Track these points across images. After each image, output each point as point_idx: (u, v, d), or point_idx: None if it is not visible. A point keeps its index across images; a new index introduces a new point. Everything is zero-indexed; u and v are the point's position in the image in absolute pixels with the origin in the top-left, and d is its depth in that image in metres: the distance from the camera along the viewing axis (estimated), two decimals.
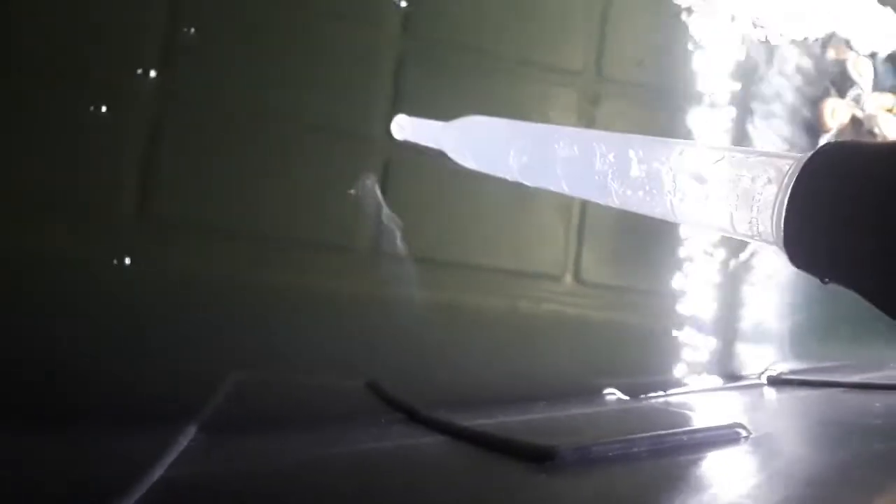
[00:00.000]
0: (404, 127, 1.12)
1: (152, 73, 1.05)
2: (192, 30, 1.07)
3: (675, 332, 1.27)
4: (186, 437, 0.71)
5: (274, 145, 1.13)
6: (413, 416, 0.76)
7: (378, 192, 1.10)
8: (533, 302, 1.22)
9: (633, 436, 0.55)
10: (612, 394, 1.03)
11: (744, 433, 0.60)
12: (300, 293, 1.12)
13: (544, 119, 1.26)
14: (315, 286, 1.13)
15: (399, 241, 1.16)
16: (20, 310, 0.93)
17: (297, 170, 1.14)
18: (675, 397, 1.02)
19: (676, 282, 1.30)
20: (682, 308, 1.29)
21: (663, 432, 0.56)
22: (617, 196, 0.61)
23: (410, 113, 1.20)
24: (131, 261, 1.03)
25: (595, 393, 1.02)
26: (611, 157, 0.63)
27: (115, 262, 1.02)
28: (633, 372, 1.15)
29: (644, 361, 1.20)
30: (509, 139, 0.90)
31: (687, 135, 1.36)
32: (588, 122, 1.28)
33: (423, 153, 1.17)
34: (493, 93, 1.25)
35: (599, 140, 0.67)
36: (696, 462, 0.54)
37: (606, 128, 1.30)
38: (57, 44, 1.01)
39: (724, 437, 0.59)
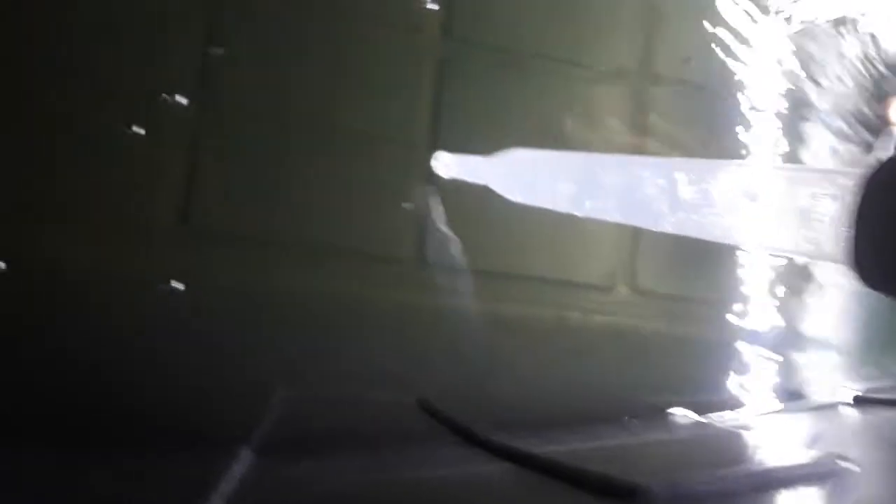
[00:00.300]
0: (447, 164, 1.09)
1: (189, 89, 1.03)
2: (227, 46, 1.05)
3: (736, 345, 1.21)
4: (242, 463, 0.68)
5: (316, 154, 1.11)
6: (471, 439, 0.72)
7: (437, 203, 1.07)
8: (586, 313, 1.18)
9: (727, 470, 0.51)
10: (682, 414, 0.98)
11: (844, 466, 0.55)
12: (344, 305, 1.09)
13: (591, 120, 1.22)
14: (360, 297, 1.11)
15: (448, 252, 1.13)
16: (58, 327, 0.92)
17: (340, 178, 1.12)
18: (749, 419, 0.96)
19: (737, 290, 1.25)
20: (743, 319, 1.24)
21: (760, 468, 0.52)
22: (670, 221, 0.58)
23: (453, 119, 1.17)
24: (173, 276, 1.01)
25: (657, 412, 0.97)
26: (660, 181, 0.61)
27: (157, 277, 1.00)
28: (693, 388, 1.11)
29: (705, 377, 1.15)
30: (554, 171, 0.87)
31: (738, 135, 1.30)
32: (636, 123, 1.23)
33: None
34: (537, 95, 1.21)
35: (646, 165, 0.65)
36: (796, 501, 0.50)
37: (655, 128, 1.26)
38: (94, 65, 1.00)
39: (824, 471, 0.54)
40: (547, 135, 1.19)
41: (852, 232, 0.32)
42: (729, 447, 0.81)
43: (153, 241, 1.01)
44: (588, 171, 0.81)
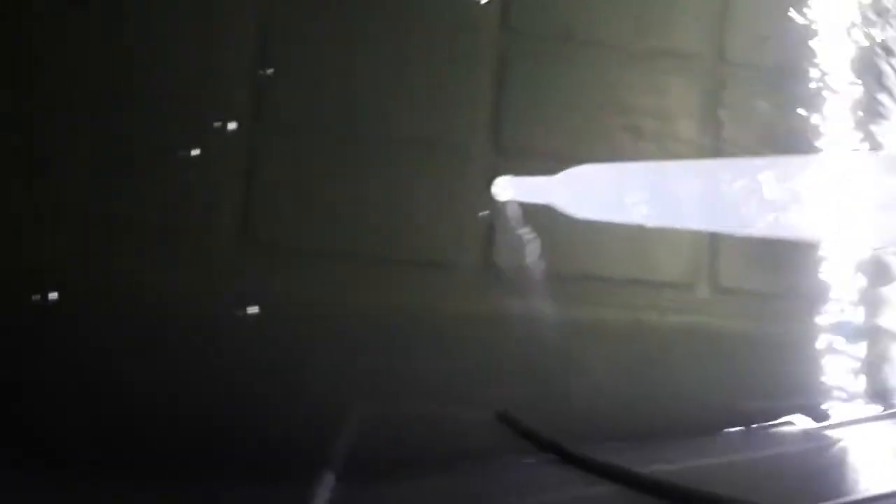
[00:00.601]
0: (506, 188, 1.05)
1: (244, 106, 1.01)
2: (280, 59, 1.03)
3: (825, 344, 1.13)
4: (327, 489, 0.65)
5: (375, 164, 1.08)
6: (563, 455, 0.68)
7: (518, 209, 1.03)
8: (665, 314, 1.12)
9: (871, 494, 0.45)
10: (780, 424, 0.91)
11: None
12: (411, 316, 1.06)
13: (663, 110, 1.15)
14: (426, 307, 1.07)
15: (517, 256, 1.08)
16: (120, 348, 0.91)
17: (401, 187, 1.09)
18: (848, 427, 0.89)
19: (823, 286, 1.16)
20: (830, 316, 1.15)
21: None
22: (755, 224, 0.53)
23: (515, 118, 1.13)
24: (234, 295, 0.99)
25: (751, 421, 0.90)
26: (738, 185, 0.56)
27: (218, 295, 0.98)
28: (784, 392, 1.03)
29: (795, 379, 1.08)
30: (622, 183, 0.83)
31: (815, 118, 1.22)
32: (712, 108, 1.16)
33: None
34: (604, 86, 1.15)
35: (721, 168, 0.59)
36: None
37: (733, 114, 1.19)
38: (150, 88, 0.99)
39: None
40: (616, 127, 1.14)
41: None
42: (841, 465, 0.74)
43: (214, 261, 0.99)
44: (657, 180, 0.76)
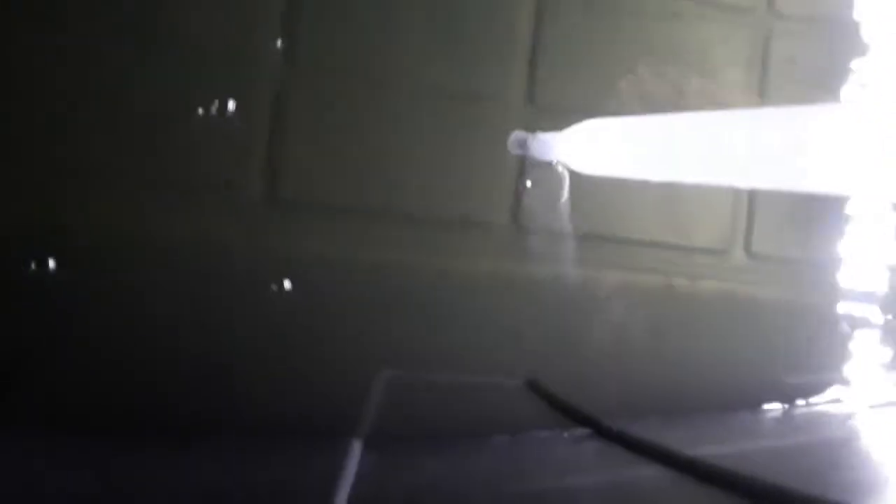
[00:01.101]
0: (522, 143, 0.99)
1: (276, 49, 0.96)
2: (308, 17, 0.97)
3: (863, 313, 1.09)
4: (354, 459, 0.63)
5: (405, 118, 1.03)
6: (602, 432, 0.65)
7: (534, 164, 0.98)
8: (697, 279, 1.08)
9: None
10: (824, 400, 0.88)
11: None
12: (437, 276, 1.03)
13: (706, 64, 1.09)
14: (453, 268, 1.04)
15: (546, 216, 1.04)
16: (139, 309, 0.88)
17: (431, 141, 1.04)
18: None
19: (862, 253, 1.12)
20: (868, 284, 1.12)
21: None
22: (763, 176, 0.51)
23: (552, 71, 1.07)
24: (261, 253, 0.96)
25: (793, 397, 0.88)
26: (743, 135, 0.52)
27: (244, 248, 0.96)
28: (823, 364, 1.00)
29: (834, 351, 1.04)
30: (632, 137, 0.78)
31: (864, 70, 1.15)
32: (762, 65, 1.10)
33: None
34: (648, 39, 1.09)
35: (732, 120, 0.55)
36: None
37: (784, 70, 1.12)
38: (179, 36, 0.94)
39: None
40: (657, 82, 1.08)
41: None
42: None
43: (240, 215, 0.96)
44: (668, 133, 0.71)
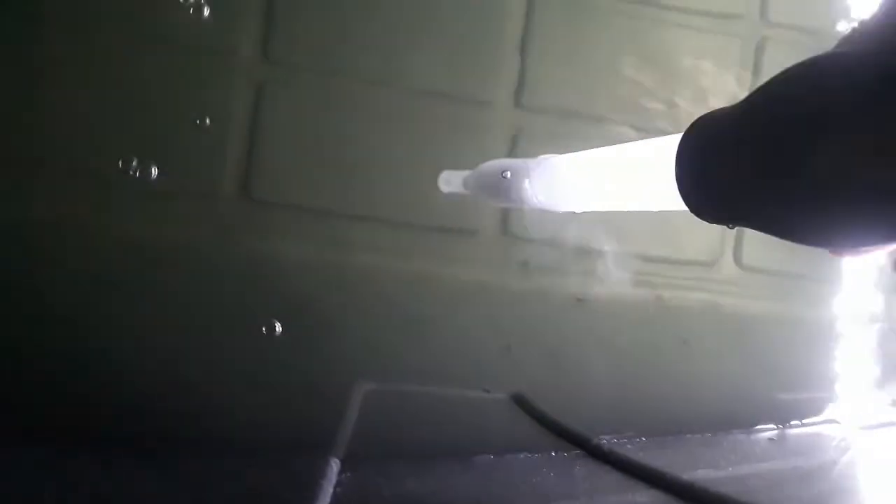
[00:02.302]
0: (449, 182, 0.95)
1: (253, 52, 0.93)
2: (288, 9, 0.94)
3: (855, 330, 1.08)
4: (331, 479, 0.60)
5: (385, 119, 1.00)
6: (592, 452, 0.62)
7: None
8: (687, 291, 1.06)
9: None
10: (820, 421, 0.86)
11: None
12: (421, 283, 1.00)
13: (696, 72, 1.08)
14: (437, 275, 1.01)
15: (534, 224, 1.02)
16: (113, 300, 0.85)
17: (414, 144, 1.01)
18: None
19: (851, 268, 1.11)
20: (858, 300, 1.11)
21: None
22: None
23: (542, 72, 1.05)
24: (236, 251, 0.92)
25: (789, 415, 0.86)
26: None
27: (220, 252, 0.92)
28: (815, 382, 0.99)
29: (826, 368, 1.03)
30: (572, 172, 0.76)
31: None
32: (753, 73, 1.09)
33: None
34: (640, 45, 1.07)
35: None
36: None
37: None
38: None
39: None
40: (648, 89, 1.06)
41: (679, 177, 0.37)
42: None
43: (215, 215, 0.92)
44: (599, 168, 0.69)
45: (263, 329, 0.85)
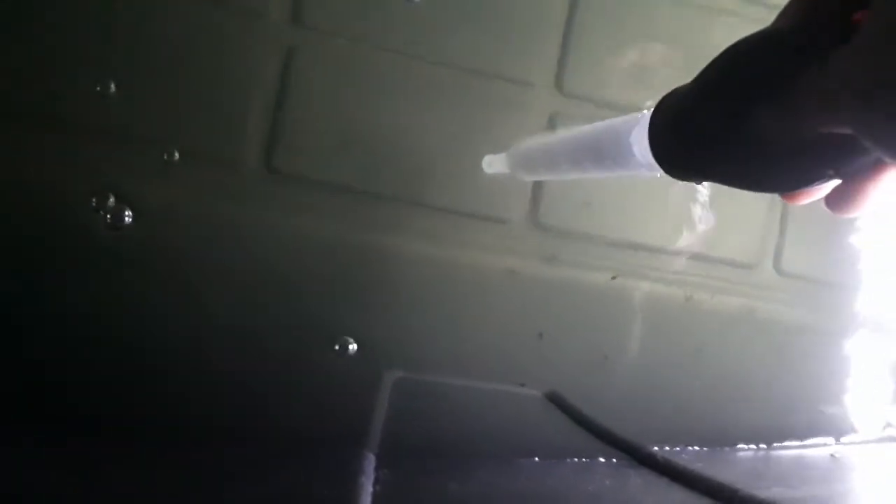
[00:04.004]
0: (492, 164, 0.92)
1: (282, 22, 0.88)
2: None
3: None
4: (369, 475, 0.56)
5: (418, 91, 0.96)
6: (644, 460, 0.59)
7: None
8: (721, 294, 1.03)
9: None
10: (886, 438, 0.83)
11: None
12: (449, 271, 0.96)
13: None
14: (467, 263, 0.97)
15: (564, 214, 0.98)
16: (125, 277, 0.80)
17: (445, 125, 0.97)
18: None
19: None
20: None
21: None
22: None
23: (584, 58, 1.01)
24: (258, 226, 0.88)
25: (837, 429, 0.83)
26: None
27: (243, 227, 0.88)
28: (856, 399, 0.96)
29: (870, 386, 1.00)
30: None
31: None
32: None
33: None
34: (685, 34, 1.03)
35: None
36: None
37: None
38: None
39: None
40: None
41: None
42: None
43: (233, 185, 0.88)
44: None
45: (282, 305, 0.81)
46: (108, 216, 0.76)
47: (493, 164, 0.89)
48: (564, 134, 0.70)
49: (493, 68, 0.97)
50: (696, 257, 1.05)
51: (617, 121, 0.53)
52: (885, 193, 0.37)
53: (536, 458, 0.63)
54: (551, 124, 1.01)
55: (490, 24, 0.97)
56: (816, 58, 0.31)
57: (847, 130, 0.29)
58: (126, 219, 0.78)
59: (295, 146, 0.91)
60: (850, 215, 0.38)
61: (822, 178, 0.36)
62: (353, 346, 0.79)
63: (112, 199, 0.79)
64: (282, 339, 0.78)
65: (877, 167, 0.35)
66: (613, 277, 1.01)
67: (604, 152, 0.55)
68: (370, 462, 0.58)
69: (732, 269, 1.06)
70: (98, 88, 0.81)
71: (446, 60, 0.96)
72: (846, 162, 0.34)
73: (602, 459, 0.64)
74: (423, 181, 0.96)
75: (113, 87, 0.82)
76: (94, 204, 0.77)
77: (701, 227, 1.04)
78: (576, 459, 0.65)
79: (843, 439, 0.87)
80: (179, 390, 0.67)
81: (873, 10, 0.28)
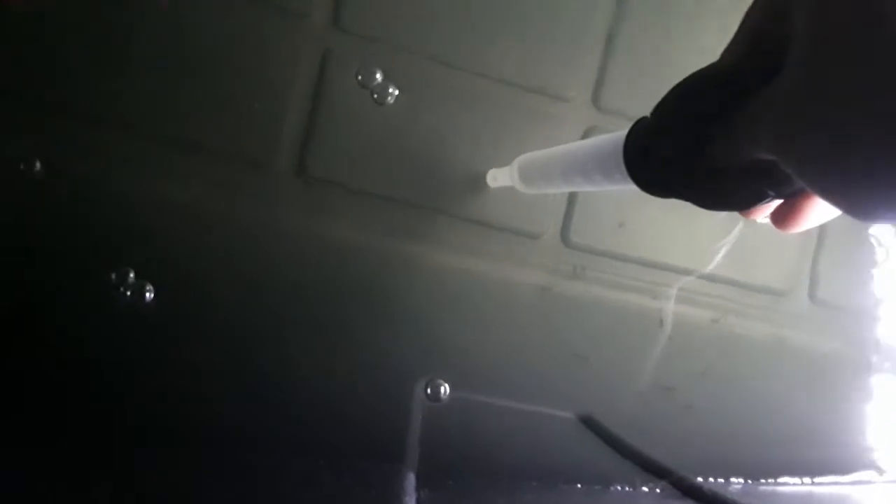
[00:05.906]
0: (496, 177, 0.92)
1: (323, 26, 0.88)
2: None
3: None
4: (411, 494, 0.55)
5: (453, 100, 0.95)
6: (689, 492, 0.58)
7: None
8: (752, 320, 1.03)
9: None
10: None
11: None
12: (479, 284, 0.95)
13: None
14: (498, 278, 0.96)
15: (596, 234, 0.98)
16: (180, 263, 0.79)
17: (480, 137, 0.96)
18: None
19: None
20: None
21: None
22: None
23: (620, 73, 1.00)
24: (288, 230, 0.87)
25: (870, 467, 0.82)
26: None
27: (272, 233, 0.87)
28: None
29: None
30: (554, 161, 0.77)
31: None
32: None
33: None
34: (719, 51, 1.03)
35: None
36: None
37: None
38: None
39: None
40: None
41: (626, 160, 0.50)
42: None
43: (264, 186, 0.87)
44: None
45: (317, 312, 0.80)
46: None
47: (498, 177, 0.89)
48: (560, 148, 0.72)
49: (532, 81, 0.97)
50: (728, 282, 1.05)
51: (604, 138, 0.57)
52: (825, 212, 0.42)
53: (579, 485, 0.61)
54: (586, 138, 1.01)
55: (532, 37, 0.97)
56: (753, 95, 0.35)
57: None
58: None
59: (327, 151, 0.90)
60: (793, 231, 0.43)
61: (764, 198, 0.41)
62: (381, 360, 0.79)
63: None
64: (308, 349, 0.77)
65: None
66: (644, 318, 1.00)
67: (592, 168, 0.58)
68: (410, 480, 0.57)
69: (765, 295, 1.05)
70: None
71: (486, 71, 0.95)
72: (783, 185, 0.39)
73: (645, 489, 0.63)
74: (454, 191, 0.95)
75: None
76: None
77: (736, 252, 1.03)
78: (618, 487, 0.64)
79: (885, 476, 0.86)
80: (219, 403, 0.66)
81: (790, 56, 0.31)
